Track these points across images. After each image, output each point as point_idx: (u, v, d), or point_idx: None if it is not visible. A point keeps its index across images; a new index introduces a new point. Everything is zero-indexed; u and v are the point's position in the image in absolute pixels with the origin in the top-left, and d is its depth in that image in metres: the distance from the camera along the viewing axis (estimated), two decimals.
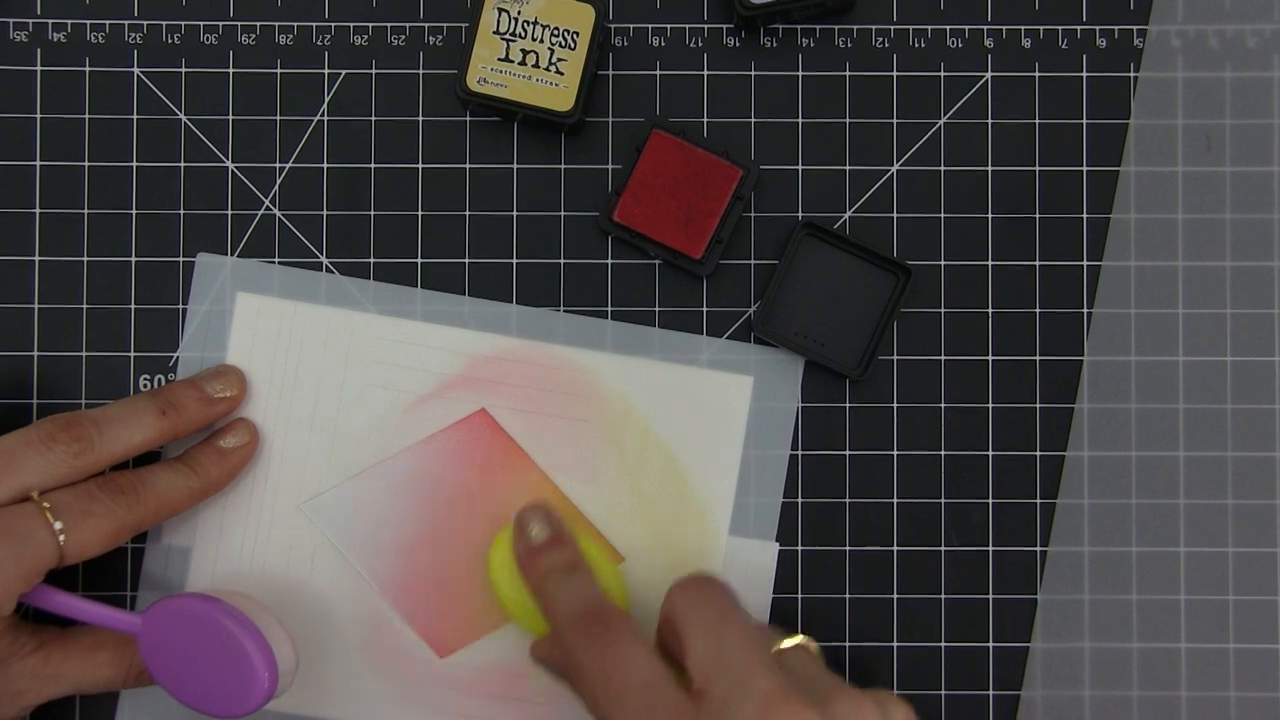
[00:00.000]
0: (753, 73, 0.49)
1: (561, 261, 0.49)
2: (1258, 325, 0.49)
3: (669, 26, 0.49)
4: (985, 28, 0.49)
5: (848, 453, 0.49)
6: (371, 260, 0.49)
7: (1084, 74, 0.49)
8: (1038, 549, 0.49)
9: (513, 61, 0.45)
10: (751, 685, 0.37)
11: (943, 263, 0.49)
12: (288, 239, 0.48)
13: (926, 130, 0.49)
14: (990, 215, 0.49)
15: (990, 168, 0.49)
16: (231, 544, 0.48)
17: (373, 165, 0.49)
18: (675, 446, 0.48)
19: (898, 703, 0.39)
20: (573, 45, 0.46)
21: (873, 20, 0.49)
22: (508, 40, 0.46)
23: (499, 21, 0.45)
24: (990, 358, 0.49)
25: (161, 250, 0.48)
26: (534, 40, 0.46)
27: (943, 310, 0.49)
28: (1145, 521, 0.49)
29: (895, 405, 0.49)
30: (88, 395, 0.48)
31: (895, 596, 0.48)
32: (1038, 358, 0.49)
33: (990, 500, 0.49)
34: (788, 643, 0.41)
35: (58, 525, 0.41)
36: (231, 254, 0.48)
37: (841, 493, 0.48)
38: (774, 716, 0.36)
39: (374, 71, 0.49)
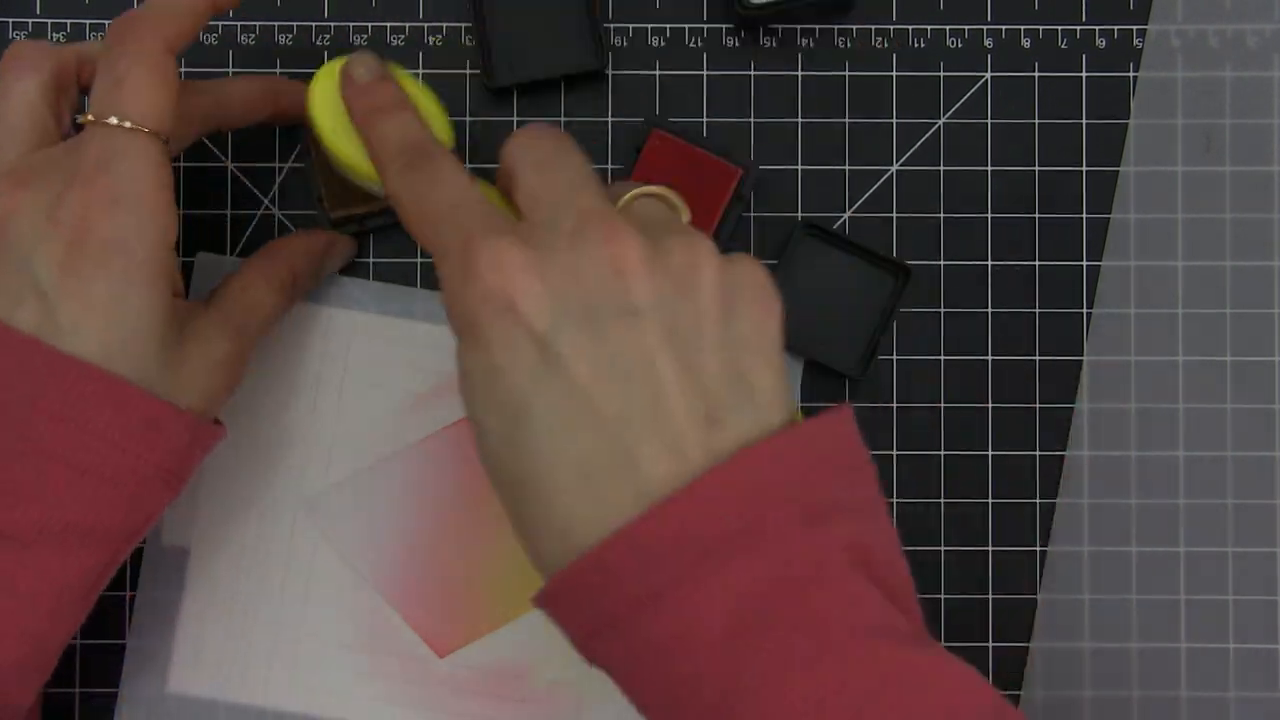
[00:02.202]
0: (752, 73, 0.49)
1: None
2: (1258, 325, 0.49)
3: (669, 26, 0.49)
4: (985, 28, 0.49)
5: None
6: (371, 260, 0.49)
7: (1084, 74, 0.49)
8: (1038, 549, 0.49)
9: None
10: (574, 203, 0.34)
11: (942, 262, 0.49)
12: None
13: (926, 130, 0.49)
14: (990, 215, 0.49)
15: (990, 168, 0.49)
16: (231, 544, 0.48)
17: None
18: None
19: (746, 257, 0.35)
20: None
21: (873, 20, 0.49)
22: None
23: None
24: (990, 358, 0.49)
25: None
26: None
27: (942, 310, 0.49)
28: (1145, 521, 0.49)
29: (895, 405, 0.49)
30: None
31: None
32: (1038, 358, 0.49)
33: (990, 500, 0.49)
34: (636, 190, 0.38)
35: (112, 120, 0.38)
36: (231, 254, 0.48)
37: None
38: (591, 232, 0.33)
39: None
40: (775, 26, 0.49)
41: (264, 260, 0.44)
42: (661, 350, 0.33)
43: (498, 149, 0.37)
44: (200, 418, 0.39)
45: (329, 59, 0.44)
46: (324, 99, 0.42)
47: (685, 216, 0.38)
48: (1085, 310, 0.49)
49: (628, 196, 0.37)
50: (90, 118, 0.38)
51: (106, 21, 0.49)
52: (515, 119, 0.49)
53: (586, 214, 0.34)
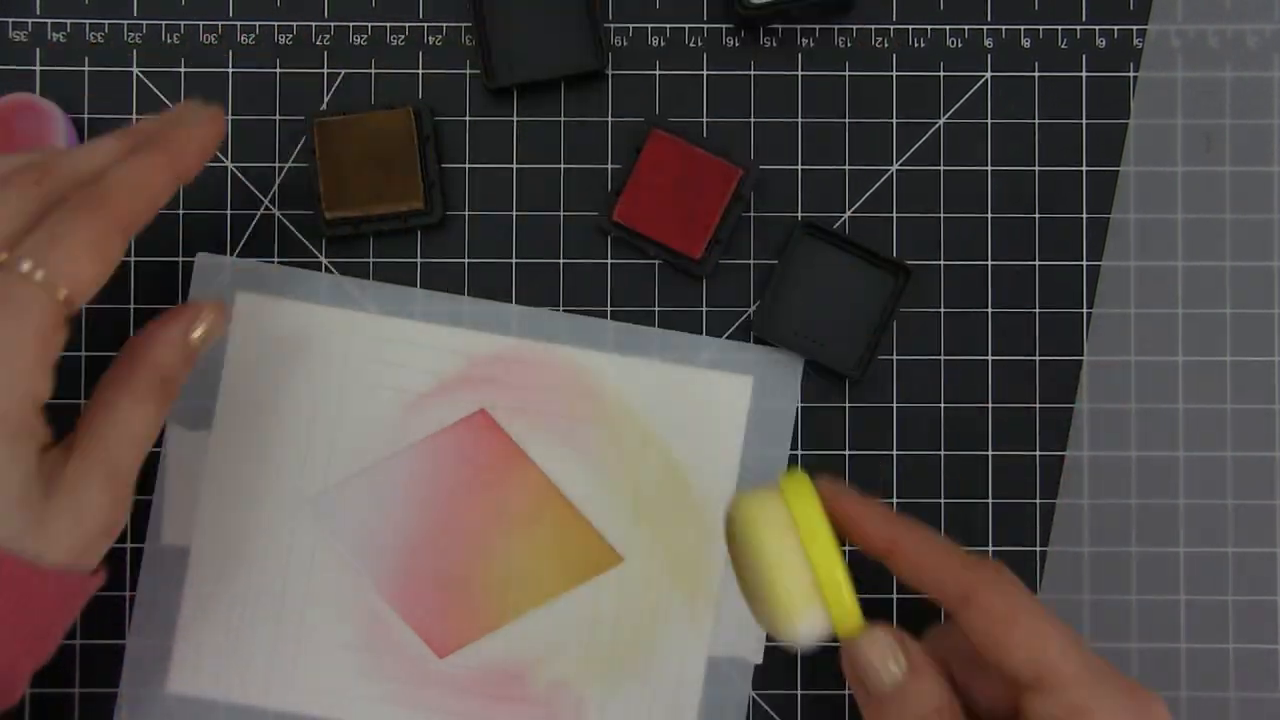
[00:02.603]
0: (752, 73, 0.49)
1: (561, 261, 0.49)
2: (1258, 325, 0.49)
3: (668, 26, 0.49)
4: (985, 28, 0.49)
5: (847, 453, 0.49)
6: (371, 260, 0.49)
7: (1084, 74, 0.49)
8: (1038, 549, 0.49)
9: None
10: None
11: (942, 263, 0.49)
12: (287, 239, 0.48)
13: (926, 130, 0.49)
14: (990, 215, 0.49)
15: (990, 168, 0.49)
16: (231, 544, 0.48)
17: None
18: (675, 446, 0.48)
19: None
20: None
21: (872, 20, 0.49)
22: None
23: None
24: (990, 358, 0.49)
25: (161, 250, 0.48)
26: None
27: (942, 310, 0.49)
28: (1145, 521, 0.49)
29: (895, 405, 0.49)
30: (88, 396, 0.48)
31: (895, 596, 0.48)
32: (1037, 358, 0.49)
33: (990, 500, 0.49)
34: None
35: (38, 275, 0.35)
36: (231, 254, 0.48)
37: None
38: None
39: (374, 71, 0.49)
40: (775, 26, 0.49)
41: (124, 370, 0.40)
42: None
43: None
44: (70, 571, 0.37)
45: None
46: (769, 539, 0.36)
47: None
48: (1085, 310, 0.49)
49: None
50: (4, 256, 0.36)
51: (106, 22, 0.49)
52: (515, 119, 0.49)
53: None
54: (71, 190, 0.37)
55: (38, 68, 0.49)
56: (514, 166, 0.49)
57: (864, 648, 0.36)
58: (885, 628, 0.37)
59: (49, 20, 0.49)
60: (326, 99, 0.49)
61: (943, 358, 0.49)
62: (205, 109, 0.41)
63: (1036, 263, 0.49)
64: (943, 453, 0.49)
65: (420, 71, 0.49)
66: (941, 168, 0.49)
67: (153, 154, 0.38)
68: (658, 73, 0.49)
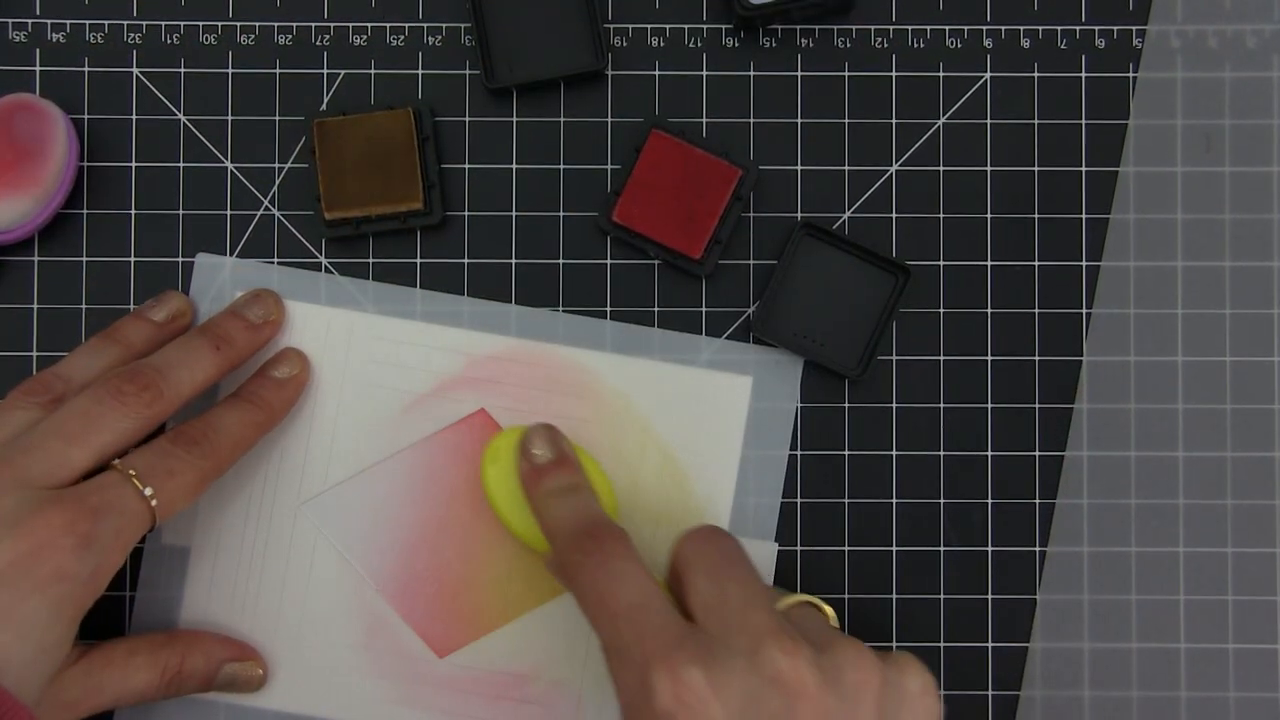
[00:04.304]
0: (752, 73, 0.49)
1: (561, 261, 0.49)
2: (1258, 325, 0.49)
3: (668, 27, 0.49)
4: (984, 28, 0.49)
5: (847, 453, 0.49)
6: (371, 260, 0.49)
7: (1083, 74, 0.49)
8: (1037, 549, 0.49)
9: None
10: (748, 620, 0.37)
11: (942, 263, 0.49)
12: (287, 239, 0.49)
13: (925, 130, 0.49)
14: (989, 215, 0.49)
15: (989, 168, 0.49)
16: (231, 544, 0.48)
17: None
18: (675, 446, 0.48)
19: (910, 662, 0.38)
20: None
21: (872, 20, 0.49)
22: None
23: None
24: (989, 358, 0.49)
25: (161, 250, 0.48)
26: None
27: (942, 310, 0.49)
28: (1145, 521, 0.49)
29: (894, 405, 0.49)
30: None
31: (895, 596, 0.48)
32: (1037, 358, 0.49)
33: (990, 500, 0.49)
34: (795, 599, 0.41)
35: (148, 491, 0.41)
36: (231, 254, 0.48)
37: (841, 493, 0.48)
38: (766, 649, 0.36)
39: (373, 71, 0.49)
40: (775, 26, 0.49)
41: (160, 643, 0.45)
42: None
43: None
44: None
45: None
46: (498, 471, 0.45)
47: (833, 621, 0.40)
48: (1085, 310, 0.49)
49: (785, 604, 0.40)
50: (120, 466, 0.41)
51: (106, 22, 0.49)
52: (515, 119, 0.49)
53: (761, 633, 0.36)
54: (176, 407, 0.43)
55: (38, 68, 0.49)
56: (514, 166, 0.49)
57: (527, 434, 0.45)
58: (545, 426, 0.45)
59: (49, 20, 0.49)
60: (326, 99, 0.49)
61: (942, 358, 0.49)
62: (300, 359, 0.47)
63: (1036, 263, 0.49)
64: (943, 453, 0.49)
65: (420, 71, 0.49)
66: (941, 168, 0.49)
67: (253, 411, 0.45)
68: (658, 73, 0.49)
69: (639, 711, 0.36)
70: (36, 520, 0.38)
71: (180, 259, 0.48)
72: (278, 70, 0.49)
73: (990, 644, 0.49)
